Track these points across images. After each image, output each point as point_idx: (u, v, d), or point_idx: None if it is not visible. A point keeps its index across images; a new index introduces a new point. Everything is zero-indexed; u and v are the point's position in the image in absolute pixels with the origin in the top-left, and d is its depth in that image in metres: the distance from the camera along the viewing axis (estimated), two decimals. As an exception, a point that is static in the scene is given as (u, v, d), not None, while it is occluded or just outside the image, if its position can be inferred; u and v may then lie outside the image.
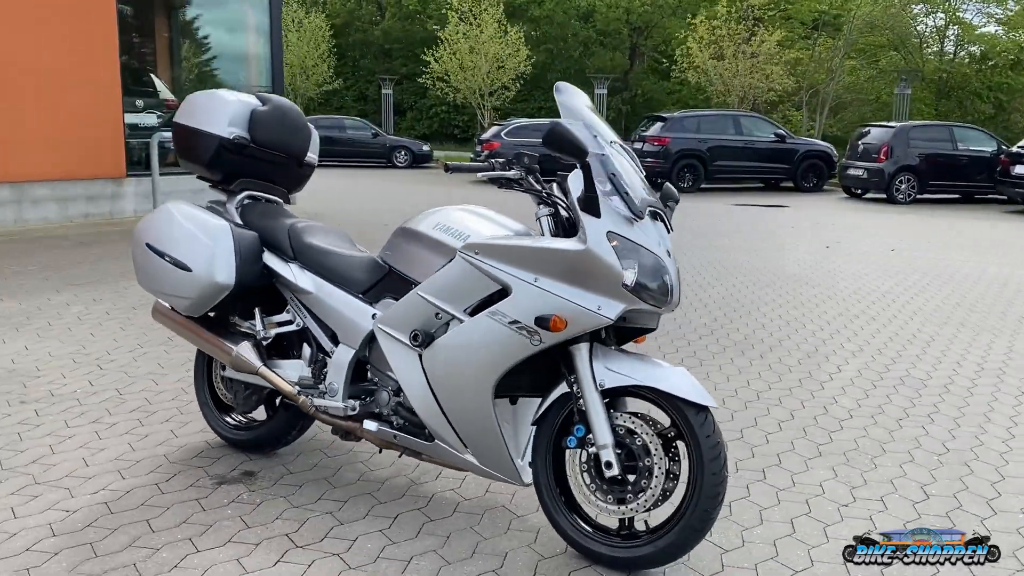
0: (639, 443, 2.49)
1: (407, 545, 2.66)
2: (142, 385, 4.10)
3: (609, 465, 2.45)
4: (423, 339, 2.63)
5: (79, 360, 4.48)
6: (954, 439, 3.73)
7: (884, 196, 16.70)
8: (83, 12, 9.83)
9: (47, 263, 7.16)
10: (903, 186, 16.43)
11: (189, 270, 2.96)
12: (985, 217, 14.38)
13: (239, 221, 3.21)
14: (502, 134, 19.55)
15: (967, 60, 34.11)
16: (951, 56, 34.52)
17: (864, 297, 6.79)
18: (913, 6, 32.91)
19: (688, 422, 2.44)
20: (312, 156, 3.50)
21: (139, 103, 11.43)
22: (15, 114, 9.23)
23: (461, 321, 2.59)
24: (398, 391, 2.79)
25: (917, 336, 5.53)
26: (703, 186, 18.18)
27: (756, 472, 3.31)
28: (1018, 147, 16.04)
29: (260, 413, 3.34)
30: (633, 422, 2.51)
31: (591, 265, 2.41)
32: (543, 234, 2.62)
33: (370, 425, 2.84)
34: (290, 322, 3.13)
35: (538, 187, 2.70)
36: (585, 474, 2.55)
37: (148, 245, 3.07)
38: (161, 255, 3.02)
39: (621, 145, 2.74)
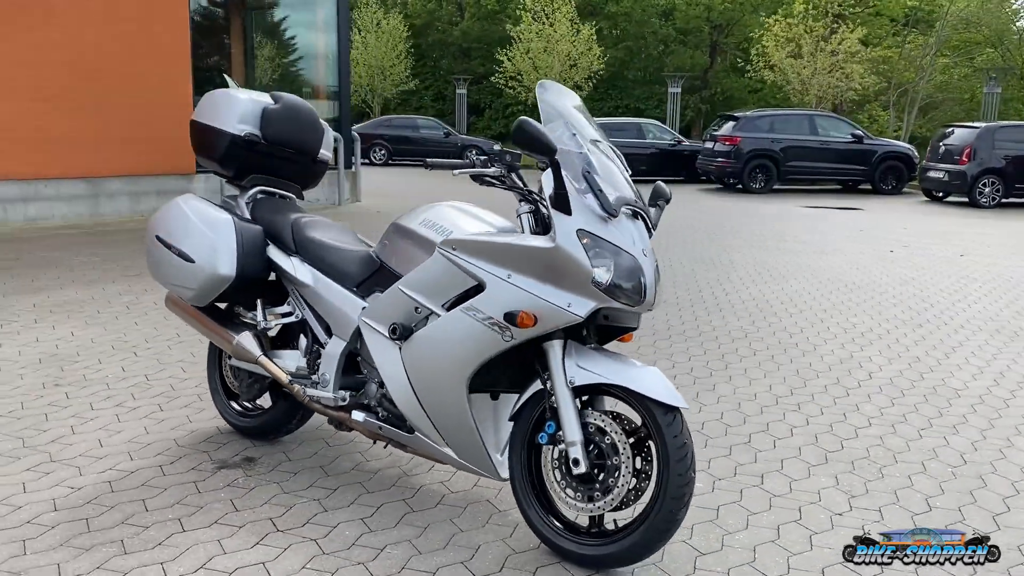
0: (608, 442, 2.49)
1: (384, 534, 2.72)
2: (170, 372, 4.28)
3: (576, 462, 2.46)
4: (401, 332, 2.68)
5: (117, 347, 4.70)
6: (975, 451, 3.59)
7: (966, 200, 16.04)
8: (158, 16, 10.25)
9: (110, 254, 7.50)
10: (987, 189, 15.74)
11: (192, 261, 3.09)
12: (1073, 222, 13.67)
13: (247, 215, 3.32)
14: (571, 133, 19.51)
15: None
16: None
17: (916, 303, 6.56)
18: (1013, 1, 31.49)
19: (656, 422, 2.43)
20: (326, 153, 3.59)
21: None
22: (97, 113, 9.70)
23: (439, 316, 2.63)
24: (383, 383, 2.84)
25: (963, 345, 5.32)
26: (775, 187, 17.81)
27: (754, 477, 3.25)
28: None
29: (265, 401, 3.44)
30: (603, 420, 2.51)
31: (561, 262, 2.42)
32: (523, 231, 2.64)
33: (358, 416, 2.91)
34: (290, 314, 3.22)
35: (519, 184, 2.71)
36: (556, 471, 2.56)
37: (157, 237, 3.21)
38: (168, 247, 3.16)
39: (608, 145, 2.74)
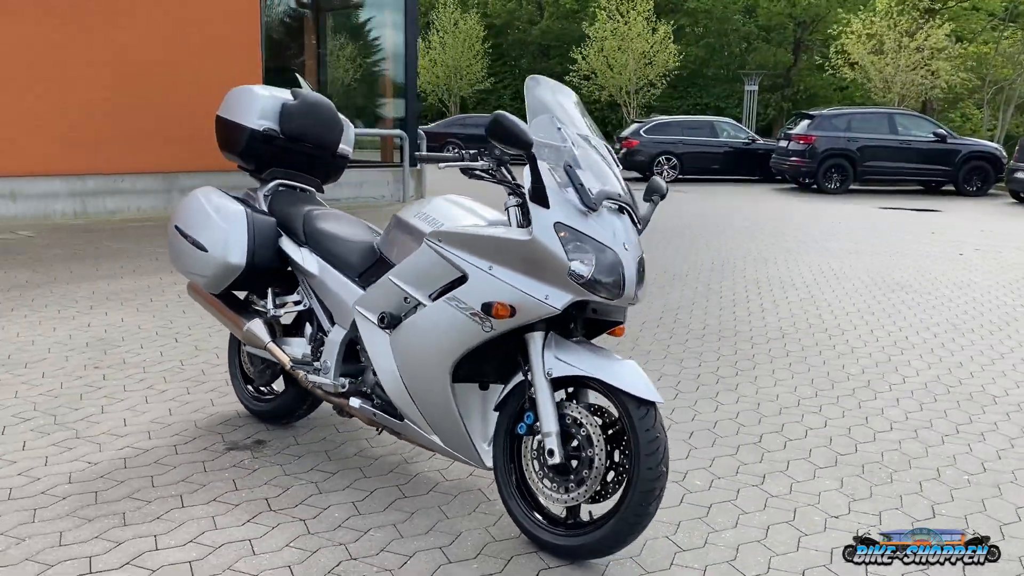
0: (584, 434, 2.51)
1: (371, 517, 2.79)
2: (205, 358, 4.46)
3: (552, 453, 2.48)
4: (389, 321, 2.76)
5: (161, 333, 4.92)
6: (999, 459, 3.46)
7: (1056, 202, 15.31)
8: (229, 15, 10.62)
9: (174, 246, 7.82)
10: (1079, 191, 14.99)
11: (206, 250, 3.23)
12: None
13: (264, 208, 3.45)
14: (641, 131, 19.43)
15: None
16: None
17: (971, 308, 6.32)
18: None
19: (629, 415, 2.43)
20: (345, 148, 3.69)
21: (282, 100, 12.19)
22: (171, 111, 10.12)
23: (425, 306, 2.69)
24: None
25: (1012, 352, 5.11)
26: (852, 187, 17.32)
27: (755, 477, 3.21)
28: None
29: (280, 386, 3.56)
30: (580, 412, 2.53)
31: (538, 255, 2.45)
32: (510, 224, 2.67)
33: (355, 402, 3.00)
34: (299, 303, 3.33)
35: (508, 178, 2.74)
36: (535, 461, 2.59)
37: (176, 227, 3.37)
38: (185, 236, 3.31)
39: (599, 141, 2.75)
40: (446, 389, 2.64)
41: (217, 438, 3.41)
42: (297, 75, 12.64)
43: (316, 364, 3.14)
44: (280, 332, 3.43)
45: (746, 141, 19.85)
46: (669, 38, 26.47)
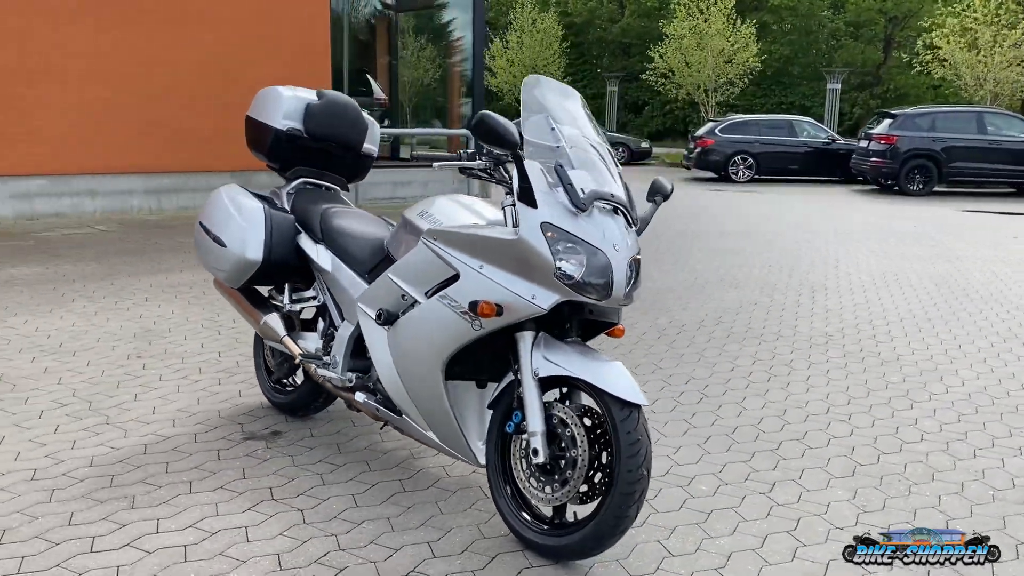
0: (569, 434, 2.50)
1: (368, 510, 2.84)
2: (242, 351, 4.60)
3: (536, 452, 2.48)
4: (386, 318, 2.80)
5: (206, 326, 5.09)
6: (1032, 476, 3.30)
7: None
8: (299, 17, 10.90)
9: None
10: None
11: (225, 246, 3.34)
12: None
13: (287, 206, 3.54)
14: (716, 130, 19.10)
15: None
16: None
17: (1040, 316, 6.02)
18: None
19: (612, 417, 2.42)
20: (370, 147, 3.77)
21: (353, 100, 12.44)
22: (242, 112, 10.44)
23: (420, 303, 2.73)
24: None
25: (1073, 362, 4.85)
26: (936, 189, 16.65)
27: (764, 484, 3.14)
28: None
29: (300, 379, 3.66)
30: (566, 412, 2.53)
31: (525, 255, 2.45)
32: (506, 223, 2.68)
33: (359, 397, 3.06)
34: (314, 298, 3.42)
35: (506, 177, 2.75)
36: (523, 460, 2.60)
37: (200, 223, 3.49)
38: (208, 232, 3.43)
39: (599, 141, 2.73)
40: (439, 386, 2.67)
41: (237, 428, 3.52)
42: (368, 76, 13.01)
43: (325, 359, 3.21)
44: (299, 327, 3.52)
45: (826, 141, 19.30)
46: (751, 35, 25.89)
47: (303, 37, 10.97)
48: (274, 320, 3.40)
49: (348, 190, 3.82)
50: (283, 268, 3.39)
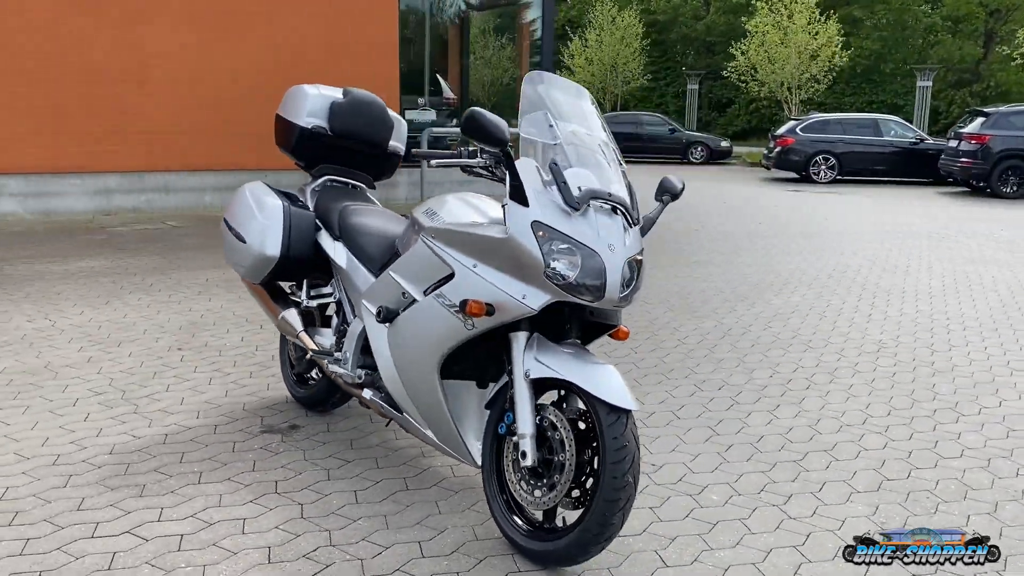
0: (557, 437, 2.46)
1: (366, 507, 2.85)
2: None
3: (524, 455, 2.44)
4: (386, 315, 2.80)
5: (250, 319, 5.21)
6: (1078, 498, 3.09)
7: None
8: (369, 16, 11.07)
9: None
10: None
11: (245, 242, 3.39)
12: None
13: (310, 203, 3.58)
14: (797, 129, 18.59)
15: None
16: None
17: (1120, 327, 5.63)
18: None
19: (600, 421, 2.36)
20: (396, 145, 3.78)
21: (420, 100, 12.59)
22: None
23: (418, 302, 2.72)
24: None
25: None
26: (1032, 191, 15.80)
27: (779, 497, 3.02)
28: None
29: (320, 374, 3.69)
30: (557, 416, 2.48)
31: (515, 254, 2.42)
32: (504, 222, 2.65)
33: (367, 393, 3.07)
34: (330, 295, 3.45)
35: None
36: (513, 462, 2.56)
37: (224, 220, 3.56)
38: (231, 229, 3.49)
39: (605, 139, 2.67)
40: (435, 384, 2.66)
41: (257, 421, 3.58)
42: (438, 76, 13.12)
43: (337, 355, 3.23)
44: (319, 323, 3.55)
45: (913, 141, 18.54)
46: (836, 31, 25.09)
47: (373, 38, 11.12)
48: (291, 315, 3.45)
49: (375, 188, 3.84)
50: (302, 264, 3.43)
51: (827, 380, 4.38)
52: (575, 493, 2.48)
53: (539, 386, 2.51)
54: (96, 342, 4.62)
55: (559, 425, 2.46)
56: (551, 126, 2.57)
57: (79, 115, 9.20)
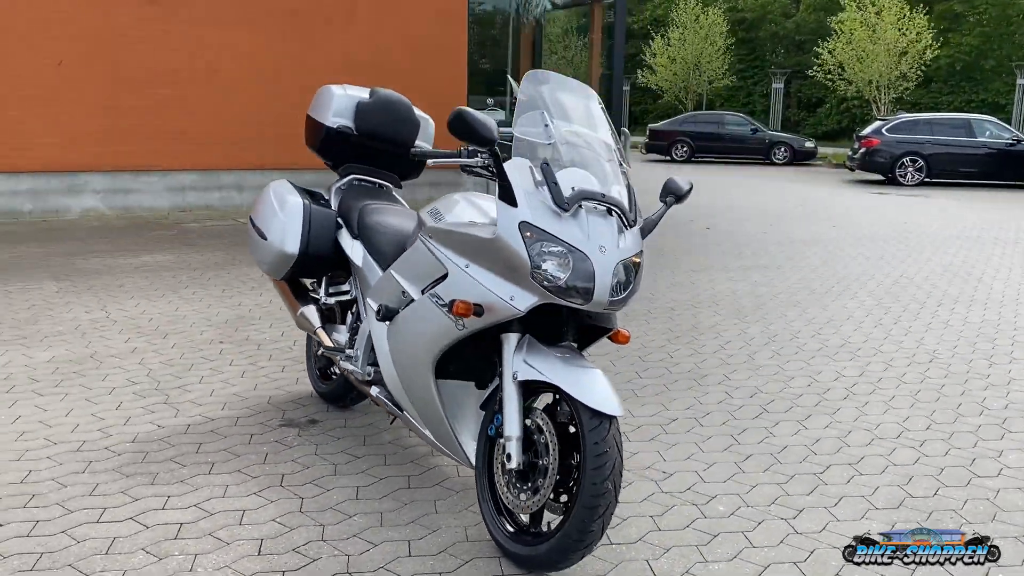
0: (542, 441, 2.43)
1: (365, 503, 2.87)
2: (316, 340, 4.77)
3: (509, 457, 2.42)
4: (385, 313, 2.82)
5: (294, 315, 5.31)
6: (1120, 525, 2.88)
7: None
8: (439, 21, 11.18)
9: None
10: None
11: (266, 239, 3.47)
12: None
13: (333, 201, 3.63)
14: (883, 130, 17.92)
15: None
16: None
17: None
18: None
19: (582, 425, 2.32)
20: (423, 145, 3.79)
21: (489, 100, 12.65)
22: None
23: (415, 300, 2.73)
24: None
25: None
26: None
27: (790, 511, 2.91)
28: None
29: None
30: (543, 419, 2.45)
31: (503, 254, 2.40)
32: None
33: (374, 391, 3.09)
34: (347, 292, 3.49)
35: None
36: (501, 464, 2.54)
37: (250, 217, 3.64)
38: (255, 226, 3.57)
39: (607, 139, 2.63)
40: (429, 383, 2.66)
41: (278, 414, 3.65)
42: (508, 76, 13.15)
43: (349, 351, 3.27)
44: (339, 319, 3.60)
45: (1010, 142, 17.65)
46: (926, 26, 24.09)
47: (442, 38, 11.22)
48: (310, 311, 3.50)
49: (401, 187, 3.86)
50: (321, 262, 3.48)
51: (868, 391, 4.20)
52: (564, 498, 2.45)
53: (532, 389, 2.49)
54: (144, 333, 4.80)
55: (545, 428, 2.43)
56: (546, 126, 2.54)
57: (157, 115, 9.57)
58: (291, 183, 3.66)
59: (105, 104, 9.29)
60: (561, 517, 2.42)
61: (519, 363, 2.45)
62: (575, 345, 2.62)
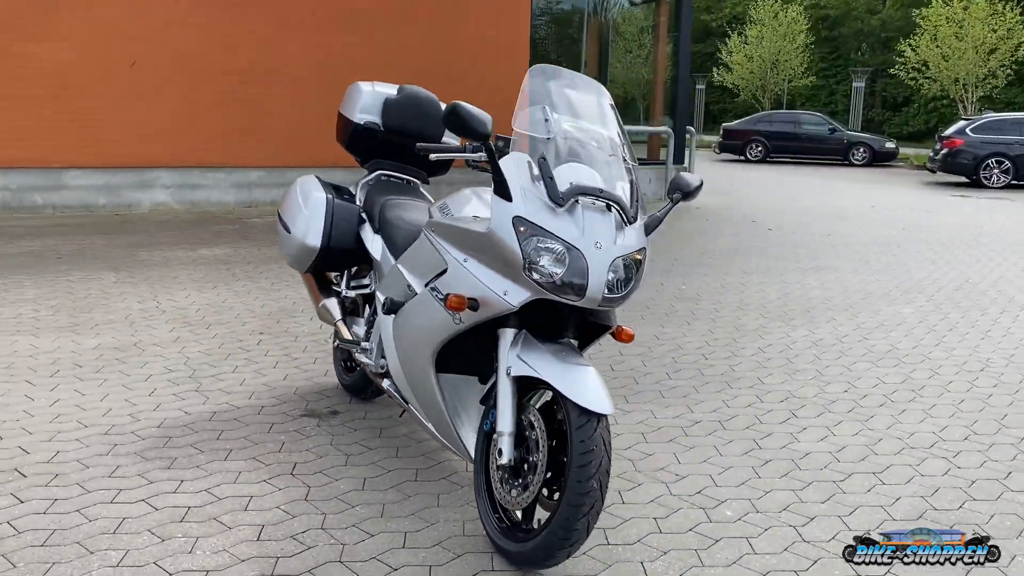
0: (533, 438, 2.42)
1: (369, 494, 2.90)
2: (353, 334, 4.84)
3: (500, 453, 2.42)
4: (390, 306, 2.85)
5: (336, 308, 5.40)
6: None
7: None
8: (499, 15, 11.20)
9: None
10: None
11: (290, 232, 3.54)
12: None
13: (359, 197, 3.69)
14: (967, 130, 17.22)
15: None
16: None
17: None
18: None
19: (570, 423, 2.30)
20: (450, 141, 3.82)
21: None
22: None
23: (418, 294, 2.75)
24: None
25: None
26: None
27: (801, 518, 2.83)
28: None
29: (366, 364, 3.79)
30: (535, 416, 2.44)
31: (497, 249, 2.40)
32: (500, 217, 2.63)
33: (385, 383, 3.13)
34: (367, 286, 3.53)
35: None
36: (494, 459, 2.54)
37: (278, 212, 3.72)
38: (281, 221, 3.65)
39: (613, 135, 2.61)
40: (430, 377, 2.67)
41: (302, 405, 3.72)
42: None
43: (364, 344, 3.31)
44: (362, 312, 3.65)
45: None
46: (1018, 20, 23.01)
47: (503, 37, 11.24)
48: (331, 304, 3.56)
49: (428, 183, 3.89)
50: (344, 255, 3.53)
51: (908, 398, 4.05)
52: (557, 496, 2.43)
53: (530, 385, 2.48)
54: (189, 324, 4.95)
55: (536, 425, 2.42)
56: (546, 120, 2.53)
57: (225, 113, 9.85)
58: (318, 179, 3.73)
59: (176, 102, 9.61)
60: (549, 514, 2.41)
61: (513, 358, 2.44)
62: (574, 342, 2.60)
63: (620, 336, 2.58)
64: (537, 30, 14.20)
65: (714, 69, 33.72)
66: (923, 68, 24.78)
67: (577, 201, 2.38)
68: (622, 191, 2.48)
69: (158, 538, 2.56)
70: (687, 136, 12.56)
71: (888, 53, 34.72)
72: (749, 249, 8.40)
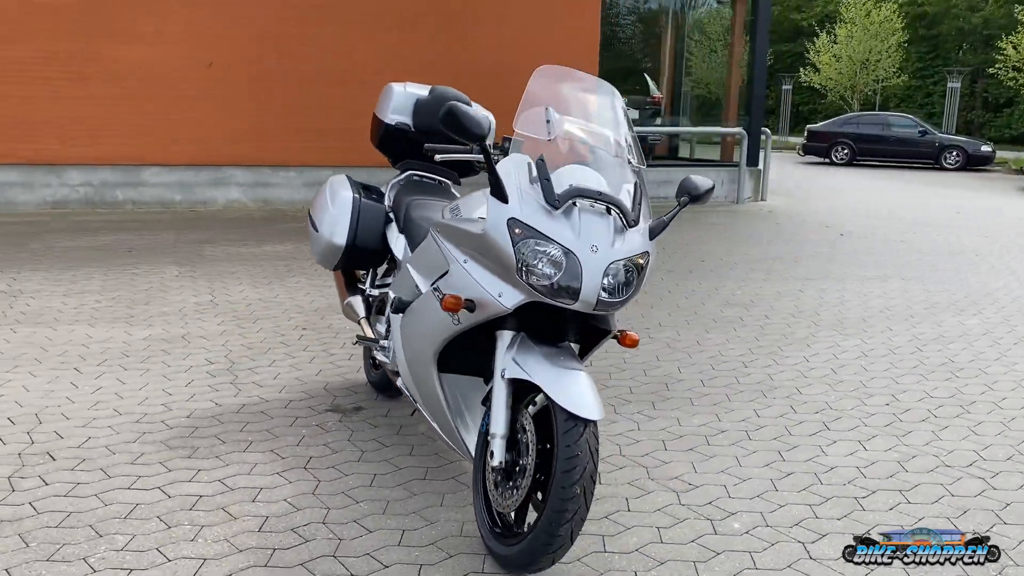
0: (524, 441, 2.41)
1: (376, 491, 2.94)
2: (392, 331, 4.90)
3: (492, 455, 2.42)
4: (397, 306, 2.88)
5: (381, 306, 5.48)
6: None
7: None
8: (570, 21, 11.16)
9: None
10: None
11: (318, 231, 3.61)
12: None
13: (389, 196, 3.73)
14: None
15: None
16: None
17: None
18: None
19: (557, 428, 2.28)
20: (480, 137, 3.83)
21: (624, 99, 12.49)
22: (510, 110, 10.98)
23: (423, 294, 2.78)
24: (404, 352, 3.04)
25: None
26: None
27: (812, 534, 2.73)
28: None
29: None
30: (527, 419, 2.43)
31: (491, 251, 2.41)
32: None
33: (399, 381, 3.16)
34: (391, 284, 3.57)
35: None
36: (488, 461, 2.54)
37: (308, 211, 3.80)
38: (310, 218, 3.72)
39: (620, 137, 2.58)
40: (432, 376, 2.69)
41: (328, 400, 3.79)
42: (646, 76, 13.10)
43: (383, 342, 3.35)
44: (385, 310, 3.69)
45: None
46: None
47: (573, 40, 11.18)
48: (356, 302, 3.61)
49: (460, 183, 3.91)
50: (370, 254, 3.58)
51: (954, 414, 3.86)
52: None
53: (526, 388, 2.46)
54: (238, 318, 5.10)
55: (528, 428, 2.41)
56: (548, 122, 2.52)
57: (297, 113, 10.10)
58: (348, 178, 3.78)
59: (249, 103, 9.90)
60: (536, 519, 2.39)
61: (508, 361, 2.43)
62: (574, 346, 2.57)
63: (624, 341, 2.55)
64: (622, 29, 14.13)
65: (801, 69, 32.85)
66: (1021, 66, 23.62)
67: (575, 203, 2.36)
68: (625, 194, 2.45)
69: (165, 525, 2.65)
70: (762, 137, 12.27)
71: (990, 52, 33.25)
72: (815, 254, 8.16)
